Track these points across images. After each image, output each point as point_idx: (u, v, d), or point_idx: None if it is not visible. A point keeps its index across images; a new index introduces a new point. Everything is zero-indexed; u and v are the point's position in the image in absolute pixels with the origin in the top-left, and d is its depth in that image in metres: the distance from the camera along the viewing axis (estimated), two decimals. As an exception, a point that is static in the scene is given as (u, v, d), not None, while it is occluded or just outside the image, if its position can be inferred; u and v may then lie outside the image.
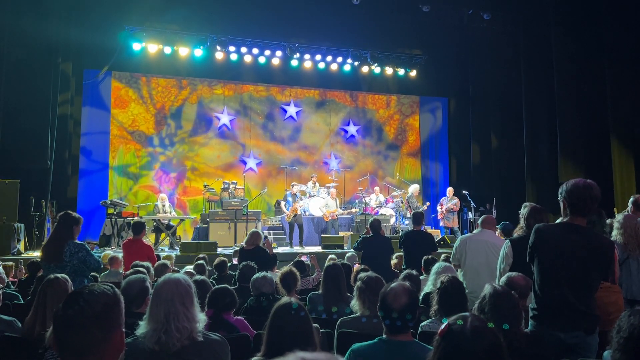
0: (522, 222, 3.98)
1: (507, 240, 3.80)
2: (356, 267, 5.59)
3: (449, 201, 12.03)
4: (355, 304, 2.97)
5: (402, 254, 6.38)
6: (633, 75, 9.82)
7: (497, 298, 2.31)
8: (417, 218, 6.33)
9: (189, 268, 5.53)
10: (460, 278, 4.41)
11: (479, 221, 4.86)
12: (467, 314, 1.29)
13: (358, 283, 2.98)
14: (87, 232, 11.78)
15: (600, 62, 10.32)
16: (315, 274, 5.66)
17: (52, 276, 3.07)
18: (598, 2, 10.35)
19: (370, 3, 11.79)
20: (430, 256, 5.10)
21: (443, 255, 6.50)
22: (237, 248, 7.09)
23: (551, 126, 11.17)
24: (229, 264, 6.13)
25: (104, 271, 6.30)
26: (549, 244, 2.72)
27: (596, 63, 10.40)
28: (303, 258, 5.85)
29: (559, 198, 2.79)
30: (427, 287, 3.99)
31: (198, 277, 4.34)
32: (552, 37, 11.06)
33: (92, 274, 5.02)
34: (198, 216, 12.04)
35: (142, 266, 4.82)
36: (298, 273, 3.97)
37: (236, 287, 4.38)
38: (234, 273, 5.28)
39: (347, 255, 6.63)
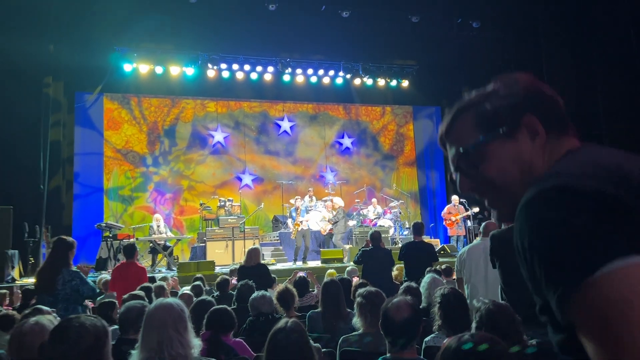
0: None
1: None
2: (355, 280, 5.50)
3: (457, 209, 11.93)
4: (357, 320, 2.88)
5: (402, 265, 6.29)
6: (624, 80, 9.85)
7: (493, 315, 2.20)
8: (418, 228, 6.23)
9: (187, 289, 5.42)
10: (467, 290, 4.32)
11: (481, 228, 4.78)
12: (471, 333, 1.21)
13: (358, 299, 2.89)
14: (83, 255, 11.65)
15: (591, 68, 10.36)
16: (315, 290, 5.55)
17: (26, 325, 2.24)
18: (588, 9, 10.42)
19: (359, 15, 11.84)
20: (432, 267, 5.01)
21: (444, 265, 6.43)
22: (234, 267, 7.00)
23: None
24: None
25: (100, 295, 6.18)
26: (506, 249, 2.73)
27: (587, 69, 10.44)
28: (300, 274, 5.74)
29: None
30: (422, 302, 3.90)
31: (205, 297, 4.25)
32: (542, 44, 11.12)
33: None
34: (195, 235, 11.93)
35: (143, 288, 4.73)
36: (295, 290, 3.89)
37: (235, 307, 4.28)
38: (233, 292, 5.19)
39: (347, 269, 6.53)
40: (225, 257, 10.42)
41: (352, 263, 7.51)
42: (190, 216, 13.25)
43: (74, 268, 4.48)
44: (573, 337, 0.75)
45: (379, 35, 12.71)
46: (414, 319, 2.12)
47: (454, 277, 5.62)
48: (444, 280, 4.98)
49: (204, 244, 10.69)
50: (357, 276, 6.12)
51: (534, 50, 11.36)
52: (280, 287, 3.86)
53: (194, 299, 4.42)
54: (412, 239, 6.32)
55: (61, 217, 11.63)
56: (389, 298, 2.25)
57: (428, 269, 4.94)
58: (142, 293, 4.37)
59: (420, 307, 3.62)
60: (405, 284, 3.74)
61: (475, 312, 2.28)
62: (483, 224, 4.88)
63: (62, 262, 4.34)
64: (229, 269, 8.23)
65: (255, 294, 3.68)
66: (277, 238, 12.08)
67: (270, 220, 13.22)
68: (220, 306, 3.09)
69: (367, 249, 6.46)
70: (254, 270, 5.61)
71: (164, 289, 4.97)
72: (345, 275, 5.72)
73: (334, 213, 11.15)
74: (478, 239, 4.72)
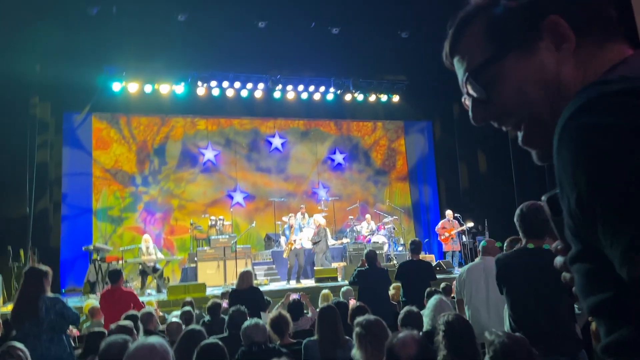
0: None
1: None
2: (352, 302, 5.32)
3: (451, 223, 11.84)
4: (356, 352, 2.70)
5: (399, 284, 6.12)
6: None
7: (509, 349, 2.03)
8: (416, 247, 6.06)
9: (176, 316, 5.21)
10: (467, 312, 4.17)
11: (479, 247, 4.63)
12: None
13: (357, 329, 2.71)
14: (72, 278, 11.38)
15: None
16: (310, 313, 5.36)
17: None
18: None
19: (349, 32, 11.83)
20: (432, 288, 4.84)
21: (443, 283, 6.28)
22: (226, 289, 6.79)
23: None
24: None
25: (86, 322, 5.96)
26: (511, 273, 2.66)
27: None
28: (293, 296, 5.55)
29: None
30: (425, 325, 3.73)
31: (194, 326, 4.04)
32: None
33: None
34: (185, 255, 11.67)
35: (129, 317, 4.51)
36: (288, 315, 3.71)
37: (227, 335, 4.09)
38: (225, 316, 4.99)
39: (342, 290, 6.34)
40: (216, 277, 10.20)
41: (346, 282, 7.31)
42: (180, 236, 13.01)
43: (51, 295, 4.29)
44: (622, 297, 0.58)
45: (369, 51, 12.70)
46: (422, 356, 1.96)
47: (453, 294, 5.47)
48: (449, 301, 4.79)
49: (195, 265, 10.46)
50: (354, 298, 5.93)
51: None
52: (273, 313, 3.68)
53: (183, 327, 4.22)
54: (409, 258, 6.16)
55: (49, 240, 11.35)
56: (395, 333, 2.08)
57: (428, 289, 4.78)
58: (130, 323, 4.17)
59: (427, 330, 3.46)
60: (405, 309, 3.55)
61: (488, 346, 2.12)
62: (482, 242, 4.74)
63: (39, 291, 4.15)
64: (220, 291, 8.01)
65: (248, 322, 3.48)
66: (270, 257, 11.86)
67: (263, 238, 13.01)
68: (210, 340, 2.91)
69: (363, 269, 6.28)
70: (246, 294, 5.41)
71: (152, 316, 4.75)
72: (341, 297, 5.54)
73: (317, 231, 10.74)
74: (478, 258, 4.57)
